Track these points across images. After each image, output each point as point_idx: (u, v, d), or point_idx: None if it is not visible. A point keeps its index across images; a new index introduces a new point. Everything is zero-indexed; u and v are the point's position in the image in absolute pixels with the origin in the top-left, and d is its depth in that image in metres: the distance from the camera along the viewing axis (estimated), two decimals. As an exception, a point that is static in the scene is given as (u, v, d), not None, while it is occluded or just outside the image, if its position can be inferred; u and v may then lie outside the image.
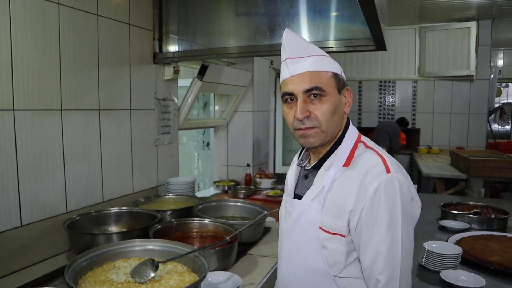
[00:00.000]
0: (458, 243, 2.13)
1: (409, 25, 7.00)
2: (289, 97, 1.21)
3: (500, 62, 9.39)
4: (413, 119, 7.22)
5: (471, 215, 2.61)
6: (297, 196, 1.30)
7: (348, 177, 1.17)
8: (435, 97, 7.06)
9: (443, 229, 2.51)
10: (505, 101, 9.70)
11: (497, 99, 8.86)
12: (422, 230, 2.51)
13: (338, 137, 1.25)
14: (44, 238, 1.92)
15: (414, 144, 7.24)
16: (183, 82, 3.29)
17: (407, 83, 7.21)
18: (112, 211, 2.11)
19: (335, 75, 1.21)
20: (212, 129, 4.06)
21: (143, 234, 1.84)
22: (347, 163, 1.20)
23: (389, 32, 6.80)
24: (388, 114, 7.40)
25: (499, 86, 9.19)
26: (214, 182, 3.84)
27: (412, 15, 6.53)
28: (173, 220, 1.98)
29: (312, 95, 1.17)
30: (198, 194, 3.56)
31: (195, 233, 1.95)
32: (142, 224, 2.00)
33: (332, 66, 1.21)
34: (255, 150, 4.05)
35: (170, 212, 2.15)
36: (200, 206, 2.27)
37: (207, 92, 3.76)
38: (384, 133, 6.57)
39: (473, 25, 6.58)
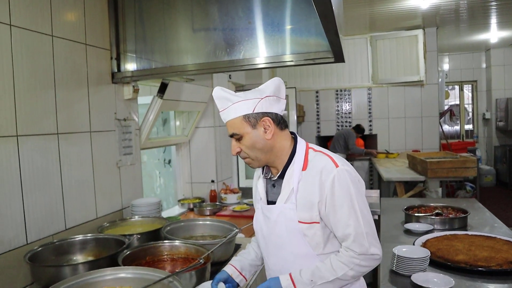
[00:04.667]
0: (424, 245, 2.21)
1: (360, 34, 7.25)
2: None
3: (446, 67, 9.90)
4: (370, 125, 7.43)
5: (433, 217, 2.70)
6: (271, 202, 1.57)
7: (309, 177, 1.46)
8: (389, 102, 7.32)
9: (408, 232, 2.59)
10: (453, 102, 10.20)
11: (445, 101, 9.31)
12: (389, 235, 2.58)
13: (291, 150, 1.53)
14: (4, 273, 1.80)
15: (372, 150, 7.44)
16: (143, 99, 3.23)
17: (362, 91, 7.43)
18: (77, 239, 2.02)
19: (245, 116, 1.47)
20: (173, 147, 4.00)
21: (112, 261, 1.77)
22: (304, 167, 1.49)
23: (343, 42, 7.00)
24: (346, 121, 7.58)
25: (447, 89, 9.66)
26: (179, 201, 3.77)
27: (363, 25, 6.77)
28: (142, 244, 1.91)
29: (234, 138, 1.51)
30: (164, 214, 3.48)
31: (165, 256, 1.90)
32: (110, 251, 1.93)
33: (242, 109, 1.47)
34: (219, 165, 4.02)
35: (138, 236, 2.08)
36: (168, 228, 2.22)
37: (168, 110, 3.70)
38: (340, 139, 6.77)
39: (419, 33, 6.91)
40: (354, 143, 6.81)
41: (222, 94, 1.50)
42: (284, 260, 1.52)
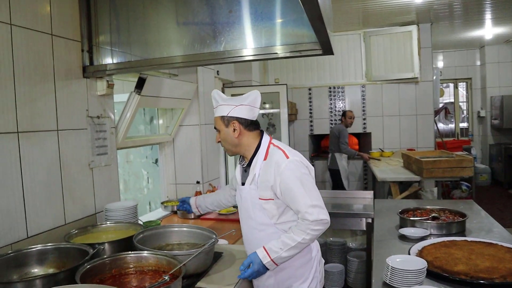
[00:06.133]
0: (420, 252, 2.03)
1: (354, 30, 7.07)
2: None
3: (440, 64, 9.74)
4: (364, 124, 7.26)
5: (430, 221, 2.53)
6: (243, 183, 2.02)
7: (267, 166, 1.92)
8: (383, 100, 7.14)
9: (403, 237, 2.41)
10: (447, 100, 10.06)
11: (440, 99, 9.16)
12: (382, 240, 2.40)
13: (257, 145, 1.98)
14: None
15: (366, 148, 7.27)
16: (121, 97, 3.03)
17: (355, 88, 7.25)
18: (34, 249, 1.80)
19: (221, 117, 1.96)
20: (158, 146, 3.80)
21: (72, 275, 1.57)
22: (265, 158, 1.94)
23: (335, 37, 6.80)
24: (340, 119, 7.38)
25: (441, 87, 9.51)
26: (162, 203, 3.57)
27: (356, 21, 6.59)
28: (104, 257, 1.70)
29: (216, 130, 2.02)
30: (147, 217, 3.29)
31: (132, 269, 1.70)
32: (74, 262, 1.73)
33: (220, 112, 1.96)
34: (204, 165, 3.83)
35: (103, 247, 1.86)
36: (141, 235, 2.02)
37: (147, 107, 3.50)
38: (334, 137, 6.43)
39: (414, 28, 6.74)
40: (346, 142, 6.29)
41: (215, 96, 2.01)
42: (251, 227, 1.98)
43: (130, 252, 1.74)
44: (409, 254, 2.02)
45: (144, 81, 2.77)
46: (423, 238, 2.32)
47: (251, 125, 1.97)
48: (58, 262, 1.84)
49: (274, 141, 2.02)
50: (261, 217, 1.94)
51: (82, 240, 2.11)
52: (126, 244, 2.00)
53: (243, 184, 2.02)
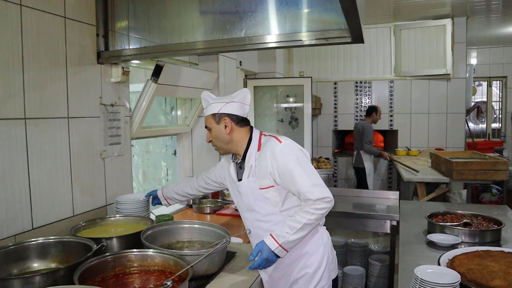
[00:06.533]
0: (451, 263, 1.86)
1: (383, 23, 6.78)
2: None
3: (474, 61, 9.31)
4: (391, 120, 6.99)
5: (462, 227, 2.33)
6: (240, 180, 2.01)
7: (262, 155, 1.93)
8: (412, 97, 6.85)
9: (431, 244, 2.23)
10: (479, 99, 9.63)
11: (472, 98, 8.76)
12: (409, 247, 2.22)
13: (248, 139, 2.00)
14: None
15: (392, 147, 7.01)
16: (138, 87, 2.92)
17: (383, 83, 6.98)
18: (35, 242, 1.71)
19: (212, 115, 1.98)
20: (176, 137, 3.70)
21: (73, 272, 1.46)
22: (258, 149, 1.96)
23: (364, 30, 6.56)
24: (365, 115, 7.13)
25: (474, 85, 9.10)
26: (178, 196, 3.46)
27: (386, 13, 6.32)
28: (105, 255, 1.58)
29: (207, 129, 2.02)
30: (162, 209, 3.19)
31: (137, 268, 1.58)
32: (76, 258, 1.63)
33: (211, 110, 1.98)
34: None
35: (106, 244, 1.75)
36: (149, 232, 1.90)
37: (164, 96, 3.38)
38: (358, 134, 6.15)
39: (448, 22, 6.41)
40: (370, 141, 5.95)
41: (205, 97, 2.03)
42: (257, 220, 1.97)
43: (134, 250, 1.63)
44: (438, 263, 1.85)
45: (161, 68, 2.66)
46: (453, 246, 2.14)
47: (242, 121, 2.00)
48: (61, 257, 1.75)
49: (265, 132, 2.05)
50: (265, 207, 1.94)
51: (89, 233, 2.01)
52: (135, 240, 1.89)
53: (240, 180, 2.00)
